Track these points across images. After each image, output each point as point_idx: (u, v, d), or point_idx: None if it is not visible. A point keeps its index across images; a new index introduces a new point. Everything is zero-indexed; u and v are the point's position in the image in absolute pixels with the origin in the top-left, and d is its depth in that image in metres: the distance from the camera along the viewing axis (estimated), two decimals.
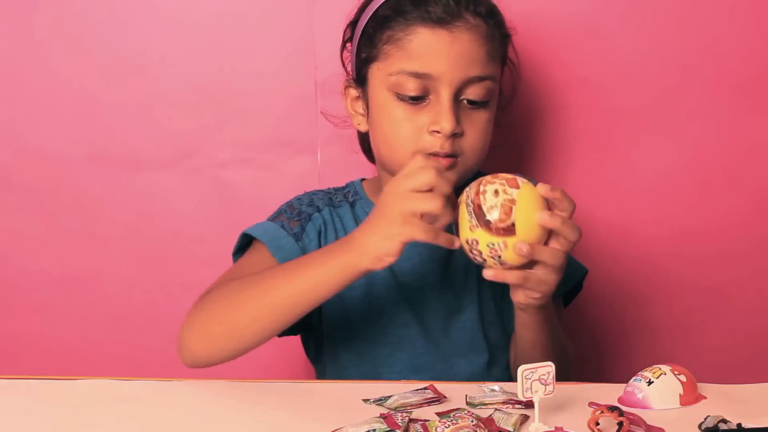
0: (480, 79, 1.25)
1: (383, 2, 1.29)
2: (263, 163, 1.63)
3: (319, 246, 1.29)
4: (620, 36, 1.60)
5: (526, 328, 1.23)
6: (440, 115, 1.23)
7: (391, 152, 1.28)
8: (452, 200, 1.12)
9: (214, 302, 1.21)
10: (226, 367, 1.41)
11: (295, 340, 1.44)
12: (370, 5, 1.31)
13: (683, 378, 1.06)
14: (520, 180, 1.11)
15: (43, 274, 1.67)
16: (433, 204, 1.09)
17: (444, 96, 1.23)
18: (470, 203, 1.10)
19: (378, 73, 1.28)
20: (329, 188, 1.41)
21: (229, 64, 1.62)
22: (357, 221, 1.35)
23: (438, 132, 1.23)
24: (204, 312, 1.21)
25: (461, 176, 1.27)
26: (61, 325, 1.68)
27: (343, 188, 1.41)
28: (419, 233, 1.08)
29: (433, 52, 1.24)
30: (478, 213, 1.09)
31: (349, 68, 1.37)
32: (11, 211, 1.66)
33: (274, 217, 1.35)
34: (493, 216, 1.08)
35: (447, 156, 1.25)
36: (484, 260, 1.11)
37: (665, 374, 1.06)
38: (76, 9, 1.62)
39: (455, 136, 1.24)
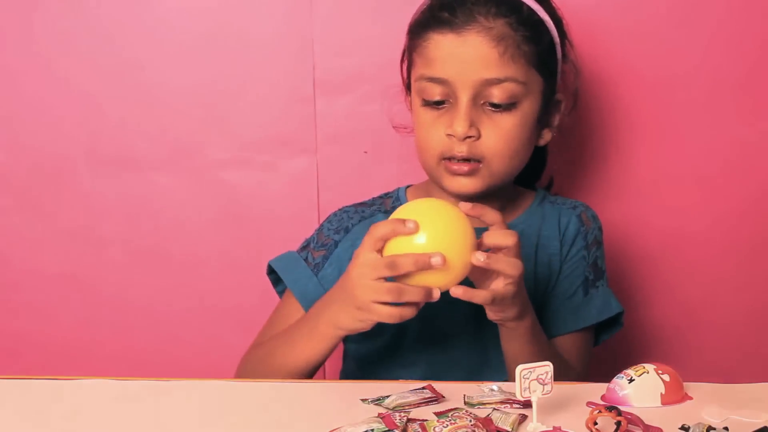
0: (498, 81, 1.24)
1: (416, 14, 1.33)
2: (262, 163, 1.63)
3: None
4: (620, 34, 1.60)
5: (505, 341, 1.23)
6: (454, 118, 1.24)
7: (422, 157, 1.31)
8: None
9: (256, 365, 1.30)
10: (226, 367, 1.41)
11: None
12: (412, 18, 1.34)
13: (666, 377, 1.04)
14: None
15: (43, 274, 1.68)
16: (393, 295, 1.09)
17: (461, 99, 1.24)
18: None
19: (413, 81, 1.31)
20: (374, 197, 1.41)
21: (228, 64, 1.62)
22: None
23: (453, 135, 1.25)
24: (251, 372, 1.31)
25: (486, 182, 1.28)
26: (61, 325, 1.68)
27: (387, 194, 1.41)
28: (384, 318, 1.11)
29: (444, 56, 1.25)
30: None
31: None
32: (11, 211, 1.66)
33: (304, 246, 1.37)
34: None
35: (465, 160, 1.25)
36: None
37: (648, 373, 1.04)
38: (75, 9, 1.62)
39: (471, 138, 1.25)
